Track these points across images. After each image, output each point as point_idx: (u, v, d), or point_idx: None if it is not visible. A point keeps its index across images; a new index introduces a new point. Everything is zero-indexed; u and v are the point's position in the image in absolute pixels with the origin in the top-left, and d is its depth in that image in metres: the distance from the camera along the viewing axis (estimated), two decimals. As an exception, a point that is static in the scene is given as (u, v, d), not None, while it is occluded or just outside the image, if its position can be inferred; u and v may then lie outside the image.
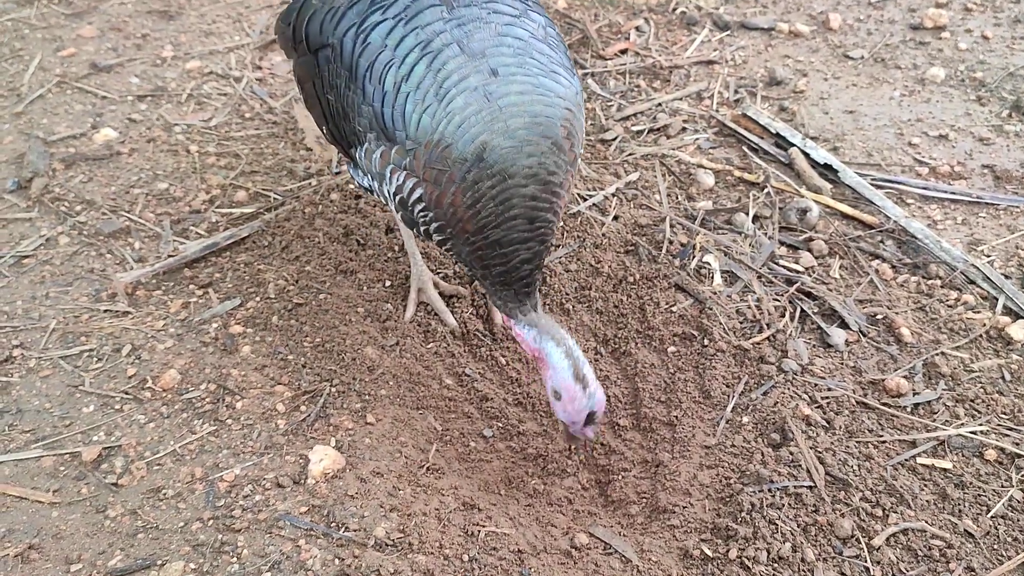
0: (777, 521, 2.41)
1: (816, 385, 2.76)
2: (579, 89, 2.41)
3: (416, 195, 2.31)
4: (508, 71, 2.24)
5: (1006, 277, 3.08)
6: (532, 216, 2.27)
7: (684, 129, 3.81)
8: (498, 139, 2.19)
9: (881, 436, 2.63)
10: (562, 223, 3.24)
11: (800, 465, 2.54)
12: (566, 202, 2.41)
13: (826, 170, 3.55)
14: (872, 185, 3.47)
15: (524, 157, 2.22)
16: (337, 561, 2.24)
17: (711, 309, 2.99)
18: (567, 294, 3.08)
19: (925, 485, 2.51)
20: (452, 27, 2.26)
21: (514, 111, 2.21)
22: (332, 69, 2.41)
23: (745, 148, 3.71)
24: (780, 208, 3.37)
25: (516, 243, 2.29)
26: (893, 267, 3.16)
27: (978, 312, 2.98)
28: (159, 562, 2.25)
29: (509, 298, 2.42)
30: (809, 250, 3.23)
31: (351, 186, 3.43)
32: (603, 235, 3.23)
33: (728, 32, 4.43)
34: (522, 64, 2.27)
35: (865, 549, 2.35)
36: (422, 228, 2.42)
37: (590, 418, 2.39)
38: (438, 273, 3.13)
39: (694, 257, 3.17)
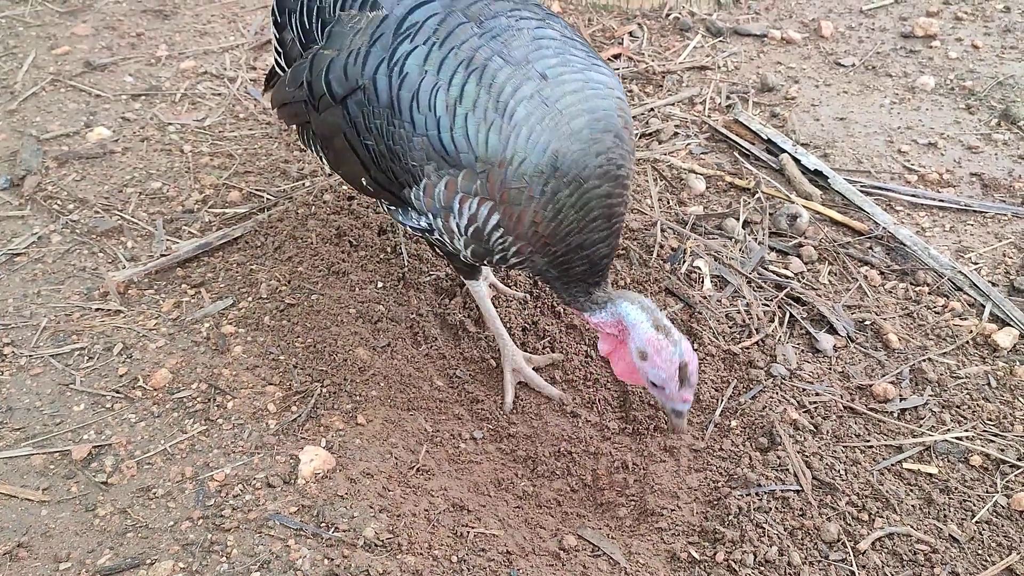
0: (764, 525, 2.43)
1: (804, 390, 2.78)
2: (618, 78, 2.40)
3: (493, 221, 2.24)
4: (556, 72, 2.21)
5: (993, 284, 3.10)
6: (609, 214, 2.26)
7: (676, 134, 3.83)
8: (567, 144, 2.16)
9: (868, 441, 2.65)
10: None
11: (787, 469, 2.56)
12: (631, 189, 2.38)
13: (816, 176, 3.58)
14: (861, 192, 3.50)
15: (593, 157, 2.19)
16: (326, 561, 2.25)
17: (701, 313, 3.01)
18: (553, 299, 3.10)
19: (911, 490, 2.53)
20: (488, 40, 2.21)
21: (574, 111, 2.18)
22: (368, 112, 2.30)
23: (736, 154, 3.74)
24: (770, 214, 3.40)
25: (598, 243, 2.28)
26: (881, 273, 3.19)
27: (965, 319, 3.00)
28: (148, 561, 2.25)
29: (581, 292, 2.40)
30: (799, 256, 3.25)
31: (344, 187, 3.44)
32: (595, 239, 3.24)
33: (721, 38, 4.45)
34: (566, 63, 2.24)
35: (851, 553, 2.37)
36: (498, 255, 2.34)
37: (683, 374, 2.31)
38: (430, 275, 3.14)
39: (684, 262, 3.19)
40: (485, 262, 2.43)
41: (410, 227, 2.50)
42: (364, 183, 2.48)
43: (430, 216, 2.34)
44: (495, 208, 2.21)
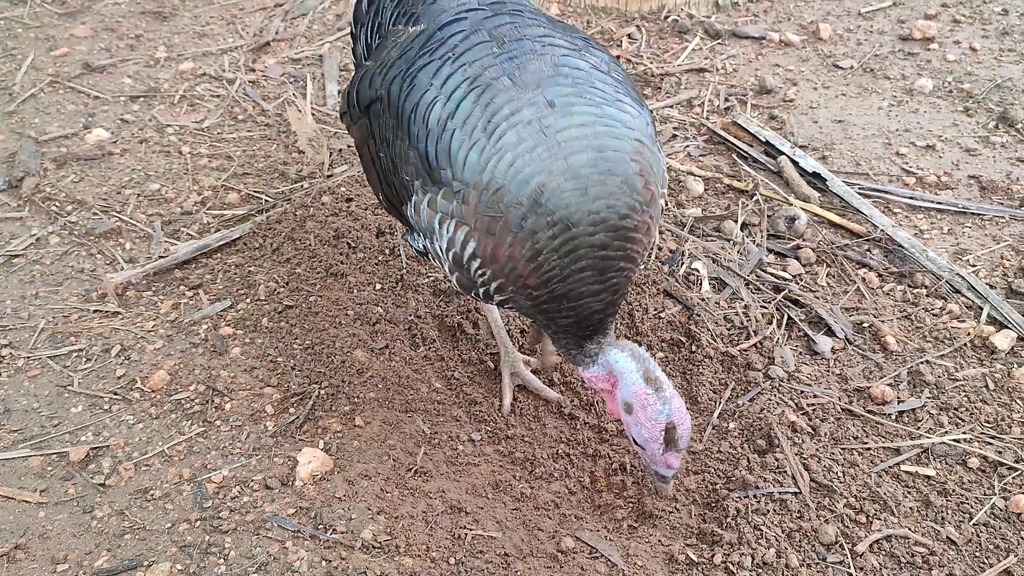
0: (762, 527, 2.43)
1: (802, 392, 2.79)
2: (649, 121, 2.17)
3: (470, 249, 2.06)
4: (566, 101, 2.02)
5: (991, 287, 3.11)
6: (603, 267, 2.02)
7: (674, 136, 3.84)
8: (557, 180, 1.95)
9: (866, 443, 2.65)
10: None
11: (785, 471, 2.56)
12: (648, 247, 2.15)
13: (814, 179, 3.58)
14: (860, 194, 3.51)
15: (590, 201, 1.96)
16: (324, 563, 2.25)
17: (699, 315, 3.01)
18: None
19: (908, 492, 2.53)
20: (502, 61, 2.08)
21: (575, 146, 1.97)
22: (382, 122, 2.24)
23: (735, 156, 3.74)
24: (768, 216, 3.40)
25: (586, 296, 2.05)
26: (879, 276, 3.19)
27: (963, 321, 3.01)
28: (146, 563, 2.25)
29: (572, 344, 2.20)
30: (797, 258, 3.26)
31: (342, 189, 3.44)
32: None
33: (719, 40, 4.46)
34: (582, 94, 2.04)
35: (848, 555, 2.37)
36: (481, 290, 2.14)
37: (670, 436, 2.09)
38: (428, 277, 3.14)
39: (683, 264, 3.19)
40: (473, 295, 2.23)
41: (415, 250, 2.38)
42: (380, 198, 2.41)
43: (423, 237, 2.23)
44: (471, 234, 2.05)
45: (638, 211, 2.03)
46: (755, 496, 2.50)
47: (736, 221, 3.38)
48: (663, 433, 2.08)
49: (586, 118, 2.01)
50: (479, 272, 2.10)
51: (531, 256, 2.01)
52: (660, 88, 4.11)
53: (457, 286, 2.24)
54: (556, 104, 2.01)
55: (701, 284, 3.14)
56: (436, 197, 2.08)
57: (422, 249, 2.31)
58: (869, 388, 2.79)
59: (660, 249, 3.24)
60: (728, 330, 2.99)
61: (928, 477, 2.56)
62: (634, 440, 2.19)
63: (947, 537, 2.42)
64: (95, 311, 2.94)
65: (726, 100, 4.04)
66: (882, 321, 3.01)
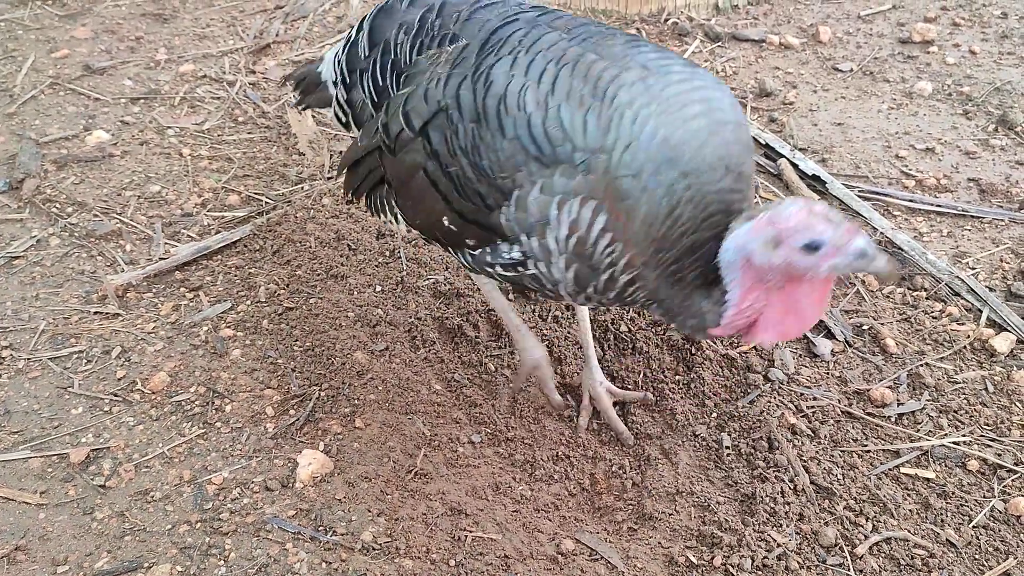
0: (762, 529, 2.43)
1: (802, 394, 2.79)
2: None
3: (600, 224, 2.00)
4: (658, 64, 2.03)
5: (990, 290, 3.11)
6: (728, 211, 2.02)
7: (674, 139, 3.84)
8: (679, 132, 1.95)
9: (865, 445, 2.65)
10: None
11: (785, 473, 2.56)
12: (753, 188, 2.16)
13: (814, 181, 3.59)
14: (859, 197, 3.51)
15: (712, 148, 1.97)
16: (324, 565, 2.25)
17: (699, 318, 3.01)
18: (555, 303, 3.10)
19: (908, 494, 2.54)
20: (577, 43, 2.08)
21: (684, 99, 1.99)
22: (451, 133, 2.14)
23: (735, 158, 3.74)
24: (768, 218, 3.40)
25: (710, 240, 2.02)
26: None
27: (962, 324, 3.01)
28: (146, 564, 2.25)
29: (703, 298, 2.10)
30: (797, 260, 3.25)
31: (343, 191, 3.44)
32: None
33: (719, 43, 4.46)
34: (668, 58, 2.08)
35: (848, 558, 2.38)
36: (604, 276, 2.08)
37: (814, 209, 1.93)
38: (428, 279, 3.14)
39: (683, 266, 3.19)
40: (585, 296, 2.16)
41: (499, 267, 2.23)
42: (446, 223, 2.25)
43: (523, 239, 2.11)
44: (600, 208, 1.99)
45: (748, 155, 2.08)
46: (755, 498, 2.50)
47: (736, 223, 3.38)
48: (809, 210, 1.93)
49: (683, 75, 2.04)
50: (607, 251, 2.03)
51: (668, 211, 1.97)
52: (660, 91, 4.11)
53: (572, 285, 2.15)
54: (650, 67, 2.03)
55: (701, 286, 3.14)
56: (552, 179, 2.00)
57: (517, 258, 2.16)
58: (869, 390, 2.79)
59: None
60: (728, 332, 2.99)
61: (928, 479, 2.57)
62: (808, 248, 1.92)
63: (947, 539, 2.42)
64: (95, 313, 2.94)
65: (726, 103, 4.04)
66: (882, 323, 3.01)
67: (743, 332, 2.15)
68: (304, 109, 3.08)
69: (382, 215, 2.53)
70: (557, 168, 2.00)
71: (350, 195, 2.62)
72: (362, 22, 2.59)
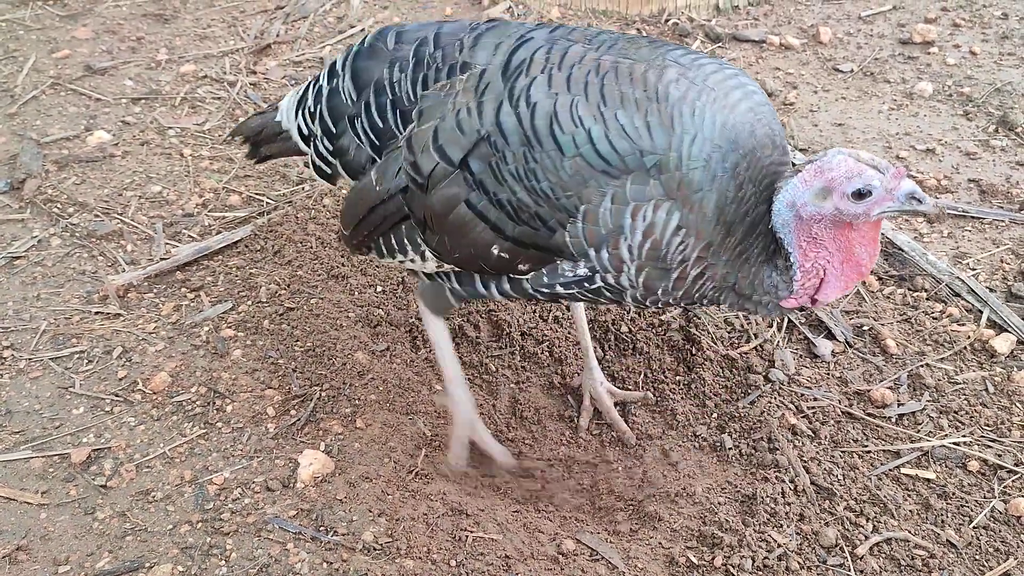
0: (762, 529, 2.43)
1: (802, 395, 2.79)
2: None
3: (674, 223, 2.02)
4: (690, 59, 2.11)
5: (990, 290, 3.11)
6: (775, 185, 2.08)
7: (675, 139, 3.84)
8: (732, 116, 2.03)
9: (866, 446, 2.65)
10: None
11: (786, 474, 2.56)
12: None
13: (815, 182, 3.59)
14: (860, 197, 3.51)
15: (760, 127, 2.06)
16: (325, 565, 2.25)
17: (699, 318, 3.01)
18: (556, 303, 3.10)
19: (908, 495, 2.54)
20: (605, 51, 2.12)
21: (725, 87, 2.07)
22: (497, 161, 2.10)
23: (735, 159, 3.74)
24: (769, 219, 3.40)
25: (766, 212, 2.09)
26: (879, 279, 3.20)
27: (963, 325, 3.01)
28: (147, 564, 2.25)
29: (770, 271, 2.14)
30: (797, 261, 3.26)
31: (344, 191, 3.45)
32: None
33: (720, 44, 4.47)
34: (693, 52, 2.15)
35: (849, 558, 2.38)
36: (675, 273, 2.10)
37: (862, 158, 2.02)
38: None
39: (683, 266, 3.19)
40: (652, 299, 2.18)
41: (559, 286, 2.20)
42: (495, 253, 2.19)
43: (591, 254, 2.09)
44: (674, 207, 2.01)
45: (782, 130, 2.18)
46: (755, 498, 2.50)
47: (736, 224, 3.38)
48: (860, 157, 2.02)
49: (714, 67, 2.12)
50: (680, 248, 2.06)
51: (734, 194, 2.03)
52: (661, 91, 4.12)
53: (641, 291, 2.16)
54: (683, 63, 2.10)
55: (701, 287, 3.14)
56: (623, 189, 2.01)
57: (584, 274, 2.15)
58: (869, 391, 2.80)
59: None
60: (728, 333, 3.00)
61: (928, 480, 2.57)
62: (859, 194, 2.00)
63: (947, 540, 2.42)
64: (96, 313, 2.94)
65: (726, 103, 4.05)
66: (882, 324, 3.01)
67: (814, 294, 2.17)
68: (259, 162, 3.00)
69: (399, 255, 2.42)
70: (628, 176, 2.01)
71: (355, 245, 2.53)
72: (333, 68, 2.48)
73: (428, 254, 2.35)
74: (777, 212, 2.07)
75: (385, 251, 2.45)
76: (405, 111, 2.31)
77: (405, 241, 2.38)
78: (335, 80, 2.47)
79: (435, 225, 2.25)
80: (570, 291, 2.22)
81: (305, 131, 2.56)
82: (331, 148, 2.49)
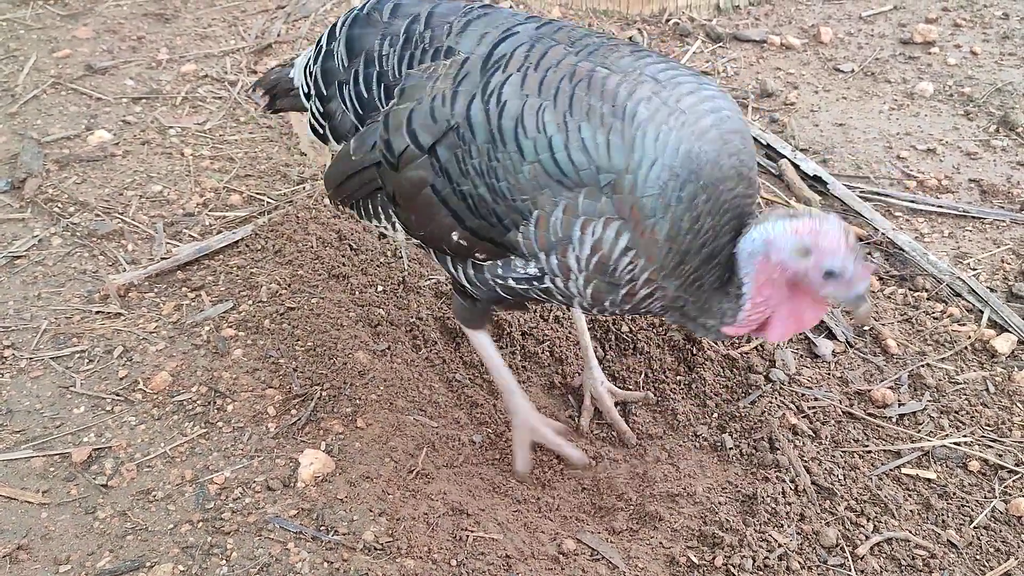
0: (763, 529, 2.43)
1: (803, 395, 2.79)
2: None
3: (623, 243, 2.03)
4: (668, 76, 2.07)
5: (991, 290, 3.11)
6: (740, 215, 2.08)
7: (676, 139, 3.84)
8: (698, 144, 2.00)
9: (866, 446, 2.65)
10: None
11: (787, 474, 2.56)
12: None
13: (815, 182, 3.59)
14: (860, 197, 3.51)
15: (726, 157, 2.03)
16: (326, 564, 2.25)
17: (700, 318, 3.01)
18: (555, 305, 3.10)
19: (909, 495, 2.54)
20: (585, 56, 2.09)
21: (697, 111, 2.04)
22: (462, 153, 2.12)
23: (736, 159, 3.74)
24: (770, 219, 3.40)
25: (726, 245, 2.09)
26: (880, 279, 3.20)
27: (963, 325, 3.01)
28: (148, 564, 2.25)
29: (720, 299, 2.15)
30: (798, 261, 3.25)
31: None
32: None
33: (720, 44, 4.47)
34: (675, 68, 2.12)
35: (849, 558, 2.38)
36: (623, 291, 2.11)
37: (852, 242, 2.01)
38: (430, 279, 3.14)
39: (684, 266, 3.19)
40: (599, 308, 2.20)
41: (512, 280, 2.25)
42: (455, 239, 2.24)
43: (541, 257, 2.13)
44: (624, 227, 2.02)
45: (754, 160, 2.14)
46: (756, 498, 2.50)
47: (737, 224, 3.38)
48: (848, 240, 2.00)
49: (691, 87, 2.08)
50: (628, 268, 2.07)
51: (690, 224, 2.01)
52: (661, 91, 4.12)
53: (588, 300, 2.18)
54: (660, 79, 2.06)
55: (702, 287, 3.14)
56: (576, 201, 2.03)
57: (534, 273, 2.19)
58: (870, 391, 2.79)
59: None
60: (729, 333, 2.99)
61: (929, 480, 2.57)
62: (828, 274, 2.02)
63: (948, 540, 2.42)
64: (97, 312, 2.94)
65: (727, 103, 4.05)
66: (883, 324, 3.01)
67: (756, 329, 2.20)
68: (274, 112, 3.10)
69: (375, 221, 2.50)
70: (581, 191, 2.02)
71: (337, 204, 2.62)
72: (333, 31, 2.51)
73: (399, 226, 2.42)
74: (749, 240, 2.06)
75: (363, 214, 2.54)
76: (389, 86, 2.34)
77: (379, 209, 2.44)
78: (333, 43, 2.51)
79: (403, 203, 2.31)
80: (523, 287, 2.25)
81: (306, 89, 2.62)
82: (322, 110, 2.54)
